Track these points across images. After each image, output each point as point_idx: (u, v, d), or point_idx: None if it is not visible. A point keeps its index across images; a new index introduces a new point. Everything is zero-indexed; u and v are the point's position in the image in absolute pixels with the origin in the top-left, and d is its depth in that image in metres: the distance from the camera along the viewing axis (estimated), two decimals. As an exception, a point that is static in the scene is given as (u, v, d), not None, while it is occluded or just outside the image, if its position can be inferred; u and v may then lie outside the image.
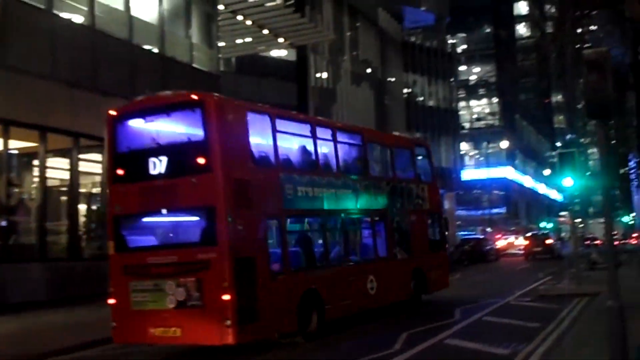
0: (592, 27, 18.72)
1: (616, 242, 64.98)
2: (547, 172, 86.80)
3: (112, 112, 12.55)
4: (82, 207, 24.99)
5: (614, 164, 24.08)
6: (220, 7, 26.16)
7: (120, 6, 20.69)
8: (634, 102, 12.54)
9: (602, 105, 6.71)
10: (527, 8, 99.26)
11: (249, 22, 28.74)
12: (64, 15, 18.45)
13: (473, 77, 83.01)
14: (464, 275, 29.21)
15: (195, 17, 23.74)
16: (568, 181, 18.06)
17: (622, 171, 31.28)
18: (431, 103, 62.77)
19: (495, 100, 79.63)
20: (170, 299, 11.09)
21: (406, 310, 16.16)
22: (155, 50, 21.74)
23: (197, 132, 11.66)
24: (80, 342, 13.03)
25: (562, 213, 79.32)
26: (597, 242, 64.64)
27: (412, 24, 62.90)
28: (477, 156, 78.62)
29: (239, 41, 31.15)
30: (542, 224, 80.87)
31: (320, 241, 13.95)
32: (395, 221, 16.47)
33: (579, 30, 14.31)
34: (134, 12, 20.72)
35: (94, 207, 25.72)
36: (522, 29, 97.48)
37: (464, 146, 74.21)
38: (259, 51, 35.59)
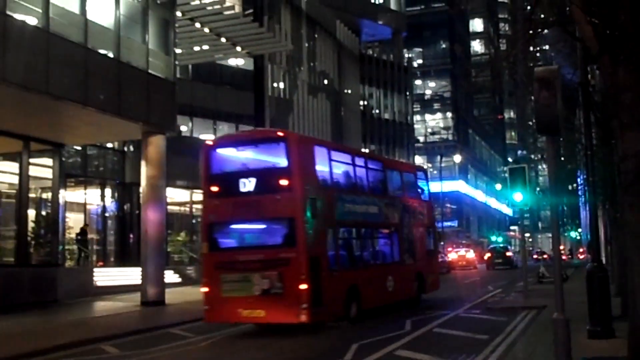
0: (545, 47, 19.20)
1: (563, 257, 66.50)
2: (498, 186, 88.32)
3: (209, 142, 16.37)
4: (32, 213, 24.48)
5: (562, 180, 24.60)
6: (178, 14, 25.99)
7: (75, 9, 20.37)
8: (582, 120, 12.97)
9: (551, 121, 6.87)
10: (482, 25, 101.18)
11: (206, 30, 28.61)
12: (17, 16, 18.07)
13: (428, 92, 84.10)
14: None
15: (152, 23, 23.52)
16: (518, 196, 18.43)
17: (570, 187, 31.95)
18: (387, 116, 63.37)
19: (449, 115, 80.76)
20: (256, 288, 14.43)
21: (409, 306, 19.29)
22: (111, 54, 21.46)
23: (281, 161, 15.13)
24: (26, 351, 12.73)
25: (512, 227, 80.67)
26: (545, 256, 66.00)
27: (369, 37, 63.49)
28: (431, 169, 79.49)
29: (196, 48, 30.96)
30: (493, 238, 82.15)
31: (358, 247, 17.62)
32: (404, 232, 20.10)
33: (531, 49, 14.70)
34: (89, 16, 20.42)
35: (43, 213, 25.21)
36: (477, 46, 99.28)
37: (418, 159, 74.96)
38: (216, 59, 35.44)
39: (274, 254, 14.72)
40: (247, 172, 15.46)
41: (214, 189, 15.65)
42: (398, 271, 19.14)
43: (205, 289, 15.20)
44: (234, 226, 15.99)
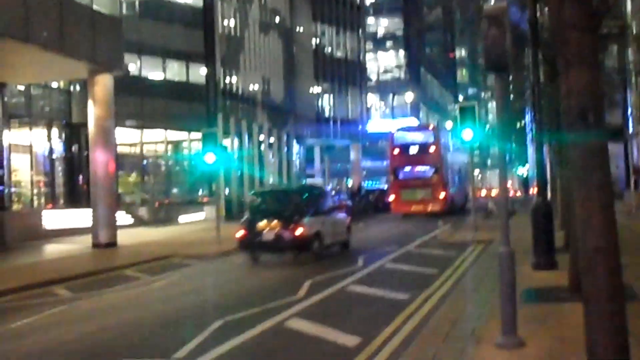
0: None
1: (512, 193, 67.61)
2: (449, 124, 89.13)
3: (394, 129, 38.00)
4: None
5: (510, 118, 25.01)
6: (123, -53, 25.02)
7: (13, -59, 19.39)
8: (531, 58, 13.12)
9: (500, 59, 6.91)
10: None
11: (153, -36, 27.65)
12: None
13: (381, 30, 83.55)
14: (368, 225, 29.90)
15: (95, -44, 22.59)
16: (468, 133, 18.66)
17: (518, 125, 32.52)
18: (339, 54, 62.84)
19: (401, 53, 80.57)
20: (420, 195, 33.96)
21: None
22: (52, -10, 20.60)
23: (430, 138, 35.30)
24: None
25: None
26: (494, 192, 67.50)
27: (321, -27, 62.30)
28: (383, 108, 79.71)
29: (142, -16, 29.96)
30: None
31: (450, 177, 36.26)
32: (453, 169, 38.62)
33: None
34: (28, -52, 19.48)
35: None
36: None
37: (371, 98, 75.00)
38: (164, -5, 34.40)
39: (427, 180, 34.08)
40: (413, 144, 35.20)
41: (397, 151, 35.41)
42: (453, 191, 36.76)
43: (393, 196, 35.36)
44: (406, 168, 35.10)
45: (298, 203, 17.45)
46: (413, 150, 35.14)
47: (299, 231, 16.06)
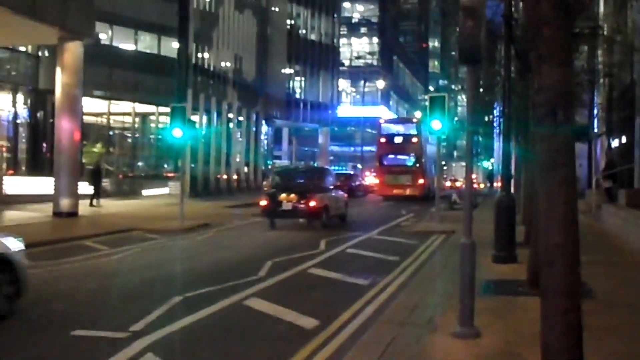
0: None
1: (475, 185, 68.45)
2: (418, 114, 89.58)
3: (381, 120, 44.58)
4: None
5: (479, 111, 25.22)
6: None
7: None
8: (503, 53, 13.20)
9: (473, 51, 6.93)
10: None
11: None
12: None
13: (356, 15, 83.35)
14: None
15: None
16: (436, 124, 18.74)
17: (486, 119, 32.84)
18: (313, 37, 62.57)
19: (375, 40, 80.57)
20: (402, 180, 38.95)
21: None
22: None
23: (413, 130, 40.23)
24: None
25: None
26: (458, 184, 68.20)
27: (299, -47, 61.82)
28: (354, 94, 79.74)
29: (117, -48, 29.38)
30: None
31: (426, 166, 40.18)
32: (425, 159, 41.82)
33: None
34: None
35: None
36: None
37: (342, 83, 74.93)
38: (139, -35, 33.79)
39: (409, 168, 38.59)
40: (397, 134, 40.04)
41: (383, 140, 40.24)
42: (430, 179, 40.38)
43: (377, 180, 41.77)
44: (390, 156, 39.64)
45: (311, 180, 21.70)
46: (397, 140, 39.86)
47: (312, 203, 19.72)
